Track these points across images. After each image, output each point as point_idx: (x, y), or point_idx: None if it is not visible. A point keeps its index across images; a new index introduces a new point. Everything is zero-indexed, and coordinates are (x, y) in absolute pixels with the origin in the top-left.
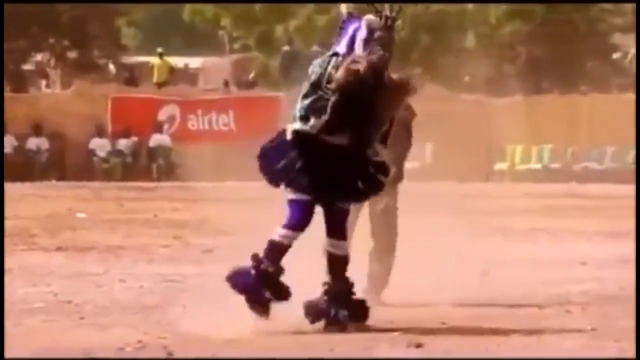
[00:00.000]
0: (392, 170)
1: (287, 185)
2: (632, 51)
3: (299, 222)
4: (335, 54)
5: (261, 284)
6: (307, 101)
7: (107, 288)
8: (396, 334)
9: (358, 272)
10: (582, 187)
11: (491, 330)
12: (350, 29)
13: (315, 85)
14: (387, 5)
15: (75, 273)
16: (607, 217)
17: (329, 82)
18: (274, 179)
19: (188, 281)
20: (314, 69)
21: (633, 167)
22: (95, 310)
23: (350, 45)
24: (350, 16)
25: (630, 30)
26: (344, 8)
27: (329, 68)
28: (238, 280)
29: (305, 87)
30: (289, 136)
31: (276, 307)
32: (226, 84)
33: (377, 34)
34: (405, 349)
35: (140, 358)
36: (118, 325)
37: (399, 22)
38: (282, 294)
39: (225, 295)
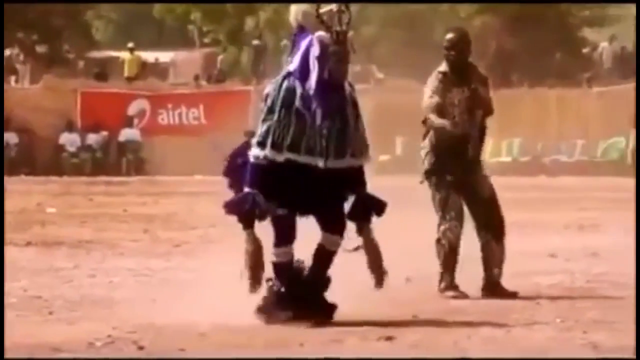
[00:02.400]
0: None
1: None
2: (602, 44)
3: (284, 237)
4: (289, 74)
5: (275, 304)
6: (264, 127)
7: (76, 283)
8: (365, 327)
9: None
10: (552, 180)
11: (461, 323)
12: (303, 44)
13: (270, 110)
14: (336, 19)
15: (44, 268)
16: (577, 209)
17: (282, 104)
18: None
19: (157, 275)
20: (268, 92)
21: (602, 160)
22: (65, 305)
23: (303, 63)
24: (301, 30)
25: (599, 24)
26: (293, 20)
27: (282, 90)
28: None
29: (262, 111)
30: (251, 159)
31: (253, 302)
32: (196, 78)
33: (331, 48)
34: (376, 342)
35: (110, 355)
36: (88, 320)
37: (351, 34)
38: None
39: (194, 289)
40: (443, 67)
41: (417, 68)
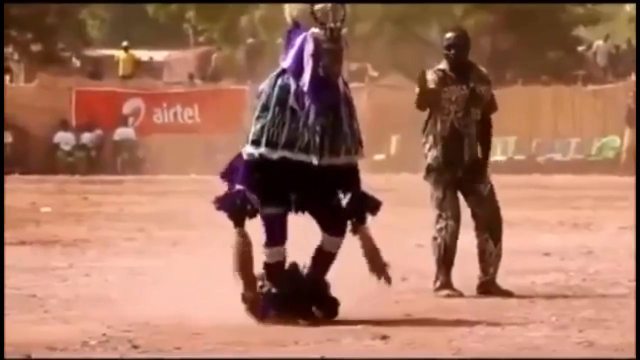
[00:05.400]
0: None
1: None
2: (596, 43)
3: (275, 236)
4: (283, 71)
5: (268, 305)
6: (258, 125)
7: (71, 282)
8: (360, 326)
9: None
10: (546, 178)
11: (455, 321)
12: (297, 41)
13: (265, 107)
14: (330, 16)
15: (39, 267)
16: (571, 208)
17: (277, 101)
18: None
19: (153, 274)
20: (263, 89)
21: (597, 158)
22: (60, 303)
23: (297, 60)
24: (296, 26)
25: (593, 22)
26: (288, 16)
27: (276, 87)
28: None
29: (257, 109)
30: (245, 157)
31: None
32: (191, 77)
33: (325, 46)
34: (371, 341)
35: (105, 354)
36: (82, 319)
37: (345, 31)
38: (288, 309)
39: (190, 288)
40: (442, 65)
41: (412, 66)
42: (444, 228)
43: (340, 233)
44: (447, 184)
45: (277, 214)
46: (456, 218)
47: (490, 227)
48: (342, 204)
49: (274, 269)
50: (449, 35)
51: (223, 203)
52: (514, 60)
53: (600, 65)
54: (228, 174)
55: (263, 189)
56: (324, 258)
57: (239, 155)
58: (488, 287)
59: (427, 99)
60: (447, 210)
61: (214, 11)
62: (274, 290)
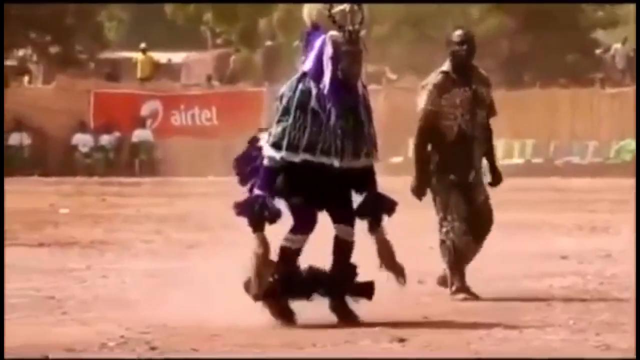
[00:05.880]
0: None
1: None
2: (615, 46)
3: (305, 224)
4: (304, 75)
5: (280, 292)
6: (279, 128)
7: (89, 283)
8: (378, 328)
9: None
10: (564, 181)
11: (473, 324)
12: (317, 44)
13: (286, 111)
14: (349, 19)
15: (57, 268)
16: (589, 211)
17: (298, 105)
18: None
19: (170, 276)
20: (283, 92)
21: (615, 161)
22: (78, 305)
23: (317, 63)
24: (315, 28)
25: (611, 25)
26: (307, 17)
27: (297, 91)
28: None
29: (277, 111)
30: (266, 161)
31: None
32: (209, 79)
33: (344, 48)
34: (388, 343)
35: (123, 355)
36: (100, 320)
37: (363, 33)
38: (303, 295)
39: (207, 290)
40: (446, 66)
41: (430, 69)
42: (450, 230)
43: (350, 222)
44: (450, 186)
45: (305, 203)
46: (463, 219)
47: (477, 232)
48: (350, 196)
49: (294, 254)
50: (459, 32)
51: (243, 209)
52: (531, 62)
53: (619, 68)
54: (243, 167)
55: (286, 188)
56: (342, 246)
57: (255, 146)
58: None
59: (426, 183)
60: (453, 213)
61: (232, 13)
62: (288, 275)
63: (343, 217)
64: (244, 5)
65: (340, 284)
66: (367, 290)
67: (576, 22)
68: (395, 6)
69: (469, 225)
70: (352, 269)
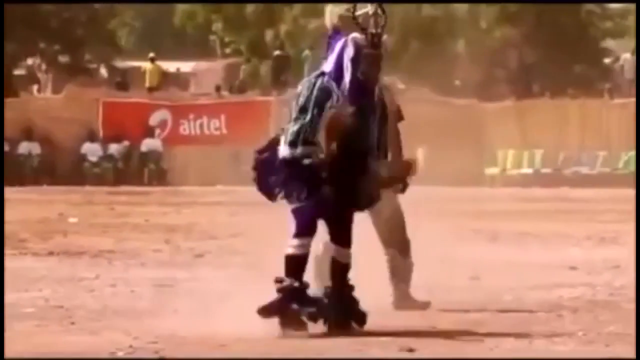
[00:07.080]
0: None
1: (287, 197)
2: (624, 56)
3: (307, 227)
4: (322, 74)
5: (290, 302)
6: (296, 126)
7: (98, 293)
8: (387, 338)
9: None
10: (573, 191)
11: (482, 334)
12: (337, 46)
13: (303, 109)
14: (371, 22)
15: (66, 278)
16: (598, 222)
17: (316, 103)
18: (271, 192)
19: (179, 285)
20: (301, 91)
21: (624, 171)
22: (87, 315)
23: (337, 64)
24: (336, 31)
25: (620, 35)
26: (328, 21)
27: (315, 89)
28: (271, 310)
29: (294, 109)
30: (281, 154)
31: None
32: (218, 88)
33: (365, 51)
34: (397, 353)
35: None
36: (109, 330)
37: (385, 37)
38: (311, 306)
39: (215, 299)
40: None
41: (439, 80)
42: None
43: (346, 244)
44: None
45: (310, 207)
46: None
47: (394, 244)
48: (351, 217)
49: (297, 261)
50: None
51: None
52: (541, 73)
53: (628, 78)
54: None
55: (299, 186)
56: (337, 269)
57: (264, 148)
58: (403, 301)
59: None
60: None
61: (241, 23)
62: (295, 284)
63: (342, 238)
64: (253, 15)
65: (339, 314)
66: (360, 319)
67: (585, 33)
68: (404, 18)
69: (383, 241)
70: (349, 293)
